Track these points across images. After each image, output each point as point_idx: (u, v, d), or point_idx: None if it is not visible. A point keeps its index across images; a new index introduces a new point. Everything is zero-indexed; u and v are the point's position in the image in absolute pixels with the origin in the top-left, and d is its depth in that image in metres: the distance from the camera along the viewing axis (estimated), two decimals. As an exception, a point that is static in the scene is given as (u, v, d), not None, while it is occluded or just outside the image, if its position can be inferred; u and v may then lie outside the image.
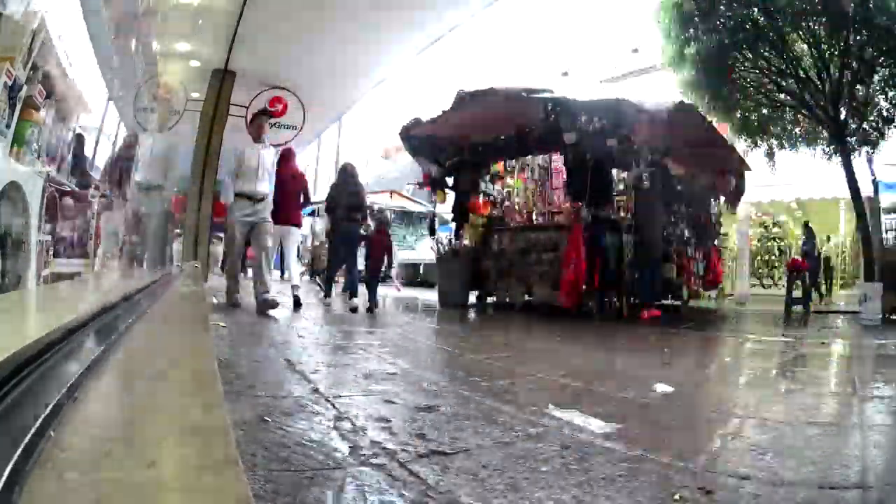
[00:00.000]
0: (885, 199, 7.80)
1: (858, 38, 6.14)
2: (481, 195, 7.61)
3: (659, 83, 8.43)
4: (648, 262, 5.96)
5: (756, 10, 6.37)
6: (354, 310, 4.97)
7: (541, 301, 6.13)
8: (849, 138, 6.91)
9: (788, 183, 10.68)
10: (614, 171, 7.04)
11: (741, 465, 1.29)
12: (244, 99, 8.10)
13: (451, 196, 7.63)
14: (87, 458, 0.48)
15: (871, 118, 6.79)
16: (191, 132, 7.37)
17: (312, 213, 16.75)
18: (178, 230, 7.59)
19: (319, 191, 18.11)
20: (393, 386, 2.00)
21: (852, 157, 7.01)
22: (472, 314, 5.80)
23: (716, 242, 8.25)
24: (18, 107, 1.96)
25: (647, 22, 7.50)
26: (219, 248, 11.22)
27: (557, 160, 8.36)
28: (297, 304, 5.06)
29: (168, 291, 2.89)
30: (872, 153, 7.35)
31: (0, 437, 0.52)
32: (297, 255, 7.13)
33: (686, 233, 7.36)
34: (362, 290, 5.39)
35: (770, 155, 8.02)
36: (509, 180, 8.40)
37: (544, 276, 6.12)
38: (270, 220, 4.78)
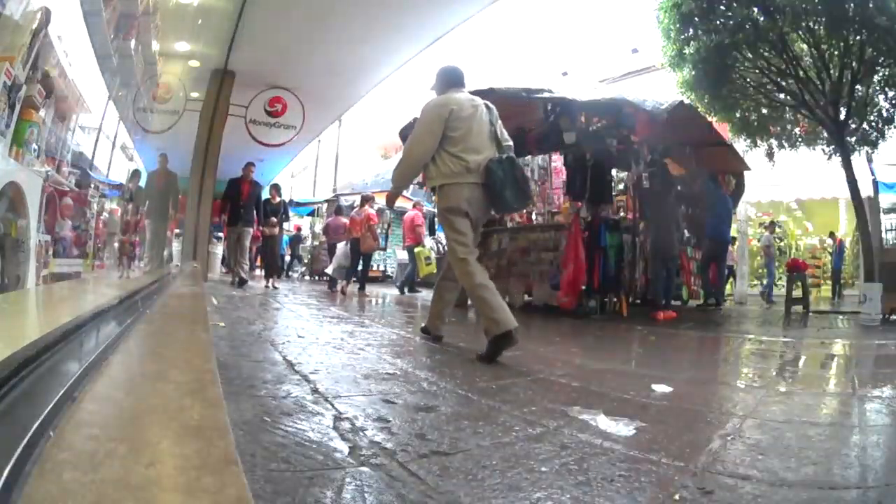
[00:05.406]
0: (885, 199, 7.80)
1: (858, 38, 6.14)
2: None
3: (659, 83, 8.42)
4: (664, 263, 5.97)
5: (756, 10, 6.37)
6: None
7: (540, 301, 6.13)
8: (849, 138, 6.91)
9: (788, 183, 10.69)
10: (614, 171, 7.05)
11: (741, 465, 1.29)
12: (244, 99, 8.09)
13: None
14: (87, 458, 0.48)
15: (871, 118, 6.79)
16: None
17: (312, 214, 16.69)
18: (178, 230, 7.59)
19: (319, 190, 18.08)
20: (393, 386, 2.00)
21: (852, 157, 7.01)
22: (471, 314, 5.80)
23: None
24: (18, 107, 1.96)
25: (646, 22, 7.50)
26: (218, 249, 11.22)
27: (557, 160, 8.37)
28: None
29: (168, 291, 2.89)
30: (872, 153, 7.35)
31: (0, 437, 0.52)
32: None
33: (686, 233, 7.37)
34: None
35: (770, 155, 8.03)
36: (509, 180, 8.38)
37: (544, 276, 6.13)
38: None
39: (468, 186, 2.92)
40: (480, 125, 3.00)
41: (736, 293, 9.94)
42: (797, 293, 7.26)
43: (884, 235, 7.33)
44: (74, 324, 1.08)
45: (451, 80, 3.15)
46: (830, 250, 11.88)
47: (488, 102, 3.13)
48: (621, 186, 7.92)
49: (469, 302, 6.58)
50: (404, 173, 3.17)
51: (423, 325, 3.39)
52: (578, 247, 5.51)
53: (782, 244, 12.65)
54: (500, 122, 3.12)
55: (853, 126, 6.88)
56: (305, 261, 15.02)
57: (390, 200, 3.58)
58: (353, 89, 9.09)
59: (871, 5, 5.84)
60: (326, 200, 15.27)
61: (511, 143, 3.16)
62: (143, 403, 0.68)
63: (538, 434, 1.48)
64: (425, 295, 8.18)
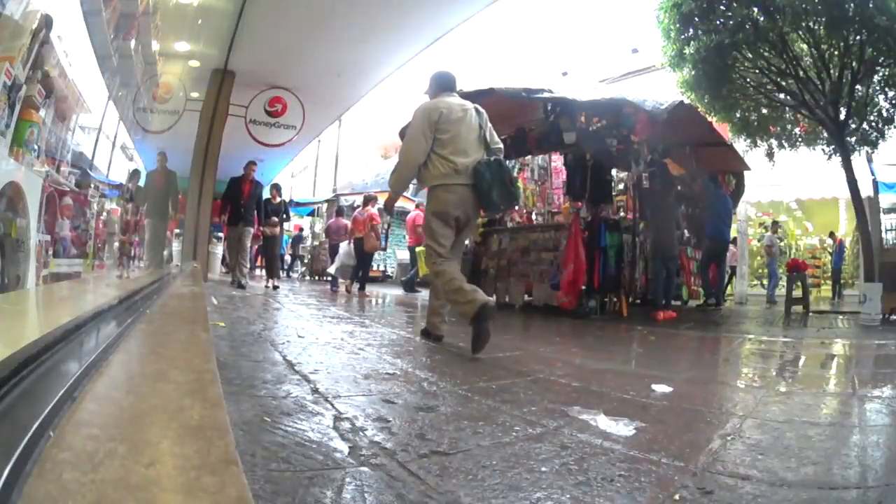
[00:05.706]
0: (885, 199, 7.81)
1: (858, 38, 6.14)
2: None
3: (659, 83, 8.42)
4: (664, 263, 5.98)
5: (756, 9, 6.37)
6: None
7: (540, 301, 6.12)
8: (849, 138, 6.91)
9: (788, 183, 10.69)
10: (614, 171, 7.05)
11: (741, 465, 1.29)
12: (244, 99, 8.09)
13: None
14: (87, 458, 0.48)
15: (871, 118, 6.79)
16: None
17: (312, 214, 16.67)
18: (178, 230, 7.58)
19: (319, 190, 18.08)
20: (393, 386, 2.00)
21: (852, 157, 7.01)
22: (471, 314, 5.79)
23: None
24: (18, 107, 1.96)
25: (646, 22, 7.50)
26: (218, 249, 11.21)
27: (557, 160, 8.38)
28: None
29: (168, 291, 2.89)
30: (872, 153, 7.36)
31: (0, 437, 0.52)
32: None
33: (686, 233, 7.37)
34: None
35: (770, 155, 8.03)
36: (509, 180, 8.38)
37: (544, 276, 6.13)
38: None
39: (457, 188, 3.03)
40: (469, 128, 3.11)
41: (736, 293, 9.95)
42: (797, 293, 7.27)
43: (884, 235, 7.33)
44: (74, 324, 1.08)
45: (442, 84, 3.27)
46: (830, 250, 11.90)
47: (478, 106, 3.24)
48: (621, 186, 7.93)
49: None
50: (401, 175, 3.25)
51: (423, 327, 3.40)
52: (578, 247, 5.51)
53: (782, 244, 12.65)
54: (489, 125, 3.24)
55: (853, 126, 6.89)
56: (306, 261, 15.01)
57: (389, 205, 3.63)
58: (353, 89, 9.08)
59: (871, 5, 5.84)
60: (326, 200, 15.26)
61: (501, 145, 3.28)
62: (143, 403, 0.68)
63: (538, 434, 1.48)
64: (426, 295, 8.18)
